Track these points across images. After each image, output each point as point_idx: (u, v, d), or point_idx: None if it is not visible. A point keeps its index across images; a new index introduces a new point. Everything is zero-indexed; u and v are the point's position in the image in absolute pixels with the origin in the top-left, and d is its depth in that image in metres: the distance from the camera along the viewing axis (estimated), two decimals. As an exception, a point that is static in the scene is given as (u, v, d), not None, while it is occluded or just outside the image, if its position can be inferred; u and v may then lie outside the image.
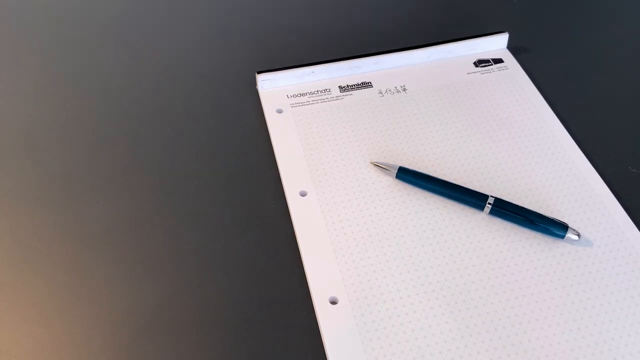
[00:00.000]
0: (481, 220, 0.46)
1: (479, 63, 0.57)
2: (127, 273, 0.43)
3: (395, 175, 0.48)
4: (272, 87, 0.55)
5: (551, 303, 0.41)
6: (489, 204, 0.45)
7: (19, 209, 0.47)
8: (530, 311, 0.41)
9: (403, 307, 0.41)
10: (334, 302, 0.41)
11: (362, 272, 0.43)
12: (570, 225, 0.45)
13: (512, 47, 0.58)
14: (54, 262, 0.44)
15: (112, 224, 0.46)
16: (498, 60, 0.57)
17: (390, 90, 0.55)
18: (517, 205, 0.45)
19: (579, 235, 0.44)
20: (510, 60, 0.57)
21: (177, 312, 0.41)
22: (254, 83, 0.56)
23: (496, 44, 0.58)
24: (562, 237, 0.44)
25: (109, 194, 0.48)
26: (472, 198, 0.46)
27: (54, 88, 0.56)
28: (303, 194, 0.47)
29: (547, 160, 0.50)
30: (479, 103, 0.54)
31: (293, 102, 0.54)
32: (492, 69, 0.57)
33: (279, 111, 0.53)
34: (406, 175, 0.48)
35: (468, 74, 0.56)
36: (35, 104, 0.54)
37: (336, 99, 0.54)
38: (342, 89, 0.55)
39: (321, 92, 0.55)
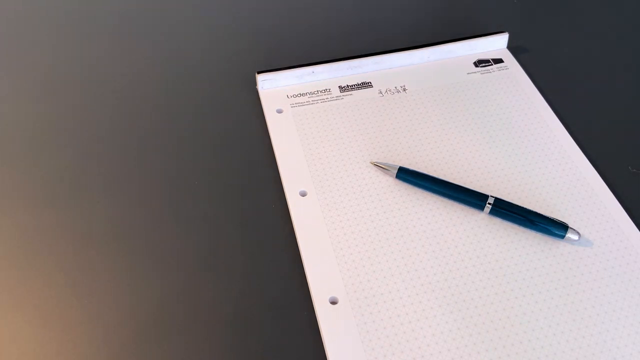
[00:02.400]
0: (481, 220, 0.46)
1: (479, 63, 0.57)
2: (126, 273, 0.43)
3: (395, 175, 0.48)
4: (272, 87, 0.55)
5: (551, 303, 0.41)
6: (489, 204, 0.45)
7: (19, 209, 0.47)
8: (530, 311, 0.41)
9: (403, 307, 0.41)
10: (334, 302, 0.41)
11: (362, 272, 0.43)
12: (570, 225, 0.45)
13: (512, 47, 0.58)
14: (54, 261, 0.44)
15: (112, 223, 0.46)
16: (498, 60, 0.57)
17: (390, 90, 0.55)
18: (517, 205, 0.45)
19: (579, 235, 0.44)
20: (510, 60, 0.57)
21: (177, 312, 0.41)
22: (254, 83, 0.55)
23: (496, 44, 0.58)
24: (562, 237, 0.44)
25: (109, 194, 0.48)
26: (472, 198, 0.46)
27: (54, 88, 0.56)
28: (303, 194, 0.47)
29: (547, 160, 0.50)
30: (479, 103, 0.54)
31: (293, 102, 0.54)
32: (492, 69, 0.57)
33: (279, 111, 0.53)
34: (406, 175, 0.48)
35: (468, 74, 0.56)
36: (36, 104, 0.54)
37: (336, 99, 0.54)
38: (342, 89, 0.55)
39: (321, 92, 0.55)
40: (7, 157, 0.50)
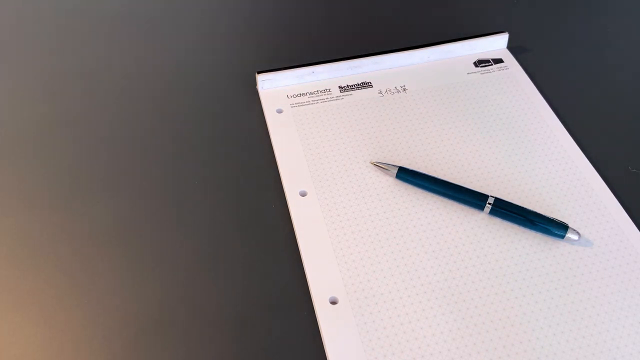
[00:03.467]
0: (481, 220, 0.46)
1: (479, 63, 0.57)
2: (127, 273, 0.43)
3: (395, 175, 0.48)
4: (272, 87, 0.55)
5: (551, 303, 0.41)
6: (489, 204, 0.45)
7: (19, 209, 0.47)
8: (530, 311, 0.41)
9: (403, 307, 0.41)
10: (334, 302, 0.41)
11: (362, 272, 0.43)
12: (570, 225, 0.45)
13: (512, 47, 0.58)
14: (54, 262, 0.44)
15: (112, 224, 0.46)
16: (498, 60, 0.57)
17: (390, 90, 0.55)
18: (517, 205, 0.45)
19: (578, 235, 0.44)
20: (510, 60, 0.57)
21: (177, 312, 0.41)
22: (254, 83, 0.55)
23: (496, 44, 0.58)
24: (562, 237, 0.44)
25: (109, 195, 0.48)
26: (472, 198, 0.46)
27: (54, 89, 0.56)
28: (303, 194, 0.47)
29: (547, 160, 0.50)
30: (479, 103, 0.54)
31: (293, 102, 0.54)
32: (492, 69, 0.57)
33: (279, 111, 0.53)
34: (406, 175, 0.48)
35: (468, 74, 0.56)
36: (36, 105, 0.54)
37: (336, 99, 0.54)
38: (342, 89, 0.55)
39: (321, 92, 0.55)
40: (7, 157, 0.50)
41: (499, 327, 0.40)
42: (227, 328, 0.41)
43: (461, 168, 0.49)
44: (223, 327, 0.41)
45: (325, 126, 0.52)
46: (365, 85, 0.56)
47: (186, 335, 0.40)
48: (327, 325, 0.40)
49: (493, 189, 0.48)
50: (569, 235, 0.44)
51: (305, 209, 0.46)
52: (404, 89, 0.55)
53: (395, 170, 0.48)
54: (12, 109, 0.54)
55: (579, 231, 0.45)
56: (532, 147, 0.51)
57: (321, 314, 0.41)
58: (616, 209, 0.46)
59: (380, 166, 0.49)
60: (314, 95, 0.55)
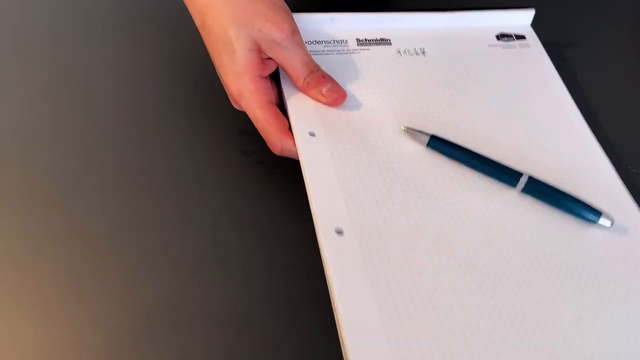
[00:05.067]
0: (511, 198, 0.44)
1: (501, 37, 0.55)
2: (126, 273, 0.42)
3: (426, 143, 0.45)
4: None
5: (576, 289, 0.40)
6: (522, 182, 0.44)
7: (17, 209, 0.44)
8: (556, 292, 0.39)
9: (419, 275, 0.39)
10: (339, 232, 0.39)
11: (368, 207, 0.41)
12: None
13: (536, 26, 0.56)
14: (53, 262, 0.42)
15: (112, 223, 0.44)
16: (520, 37, 0.56)
17: (409, 51, 0.52)
18: (551, 186, 0.44)
19: (612, 221, 0.44)
20: (532, 38, 0.56)
21: (177, 310, 0.40)
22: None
23: (521, 19, 0.56)
24: (595, 222, 0.43)
25: (108, 194, 0.46)
26: (505, 175, 0.44)
27: (53, 88, 0.52)
28: (312, 134, 0.44)
29: (561, 144, 0.48)
30: (496, 77, 0.52)
31: (309, 49, 0.49)
32: (513, 44, 0.55)
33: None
34: (438, 144, 0.45)
35: (489, 46, 0.54)
36: (34, 104, 0.51)
37: (352, 52, 0.51)
38: (359, 42, 0.52)
39: (337, 42, 0.51)
40: (5, 157, 0.47)
41: (525, 303, 0.39)
42: (227, 324, 0.40)
43: (475, 142, 0.47)
44: (224, 323, 0.40)
45: (339, 78, 0.48)
46: (384, 41, 0.52)
47: (186, 333, 0.39)
48: (333, 255, 0.38)
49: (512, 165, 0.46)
50: (602, 221, 0.43)
51: (315, 150, 0.43)
52: (423, 52, 0.52)
53: (427, 138, 0.45)
54: (10, 108, 0.50)
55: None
56: (546, 127, 0.49)
57: (327, 246, 0.38)
58: (628, 202, 0.46)
59: (413, 130, 0.46)
60: (329, 44, 0.51)
